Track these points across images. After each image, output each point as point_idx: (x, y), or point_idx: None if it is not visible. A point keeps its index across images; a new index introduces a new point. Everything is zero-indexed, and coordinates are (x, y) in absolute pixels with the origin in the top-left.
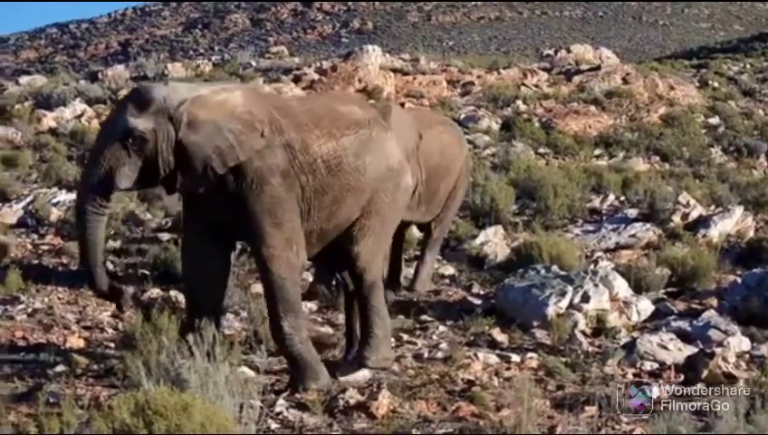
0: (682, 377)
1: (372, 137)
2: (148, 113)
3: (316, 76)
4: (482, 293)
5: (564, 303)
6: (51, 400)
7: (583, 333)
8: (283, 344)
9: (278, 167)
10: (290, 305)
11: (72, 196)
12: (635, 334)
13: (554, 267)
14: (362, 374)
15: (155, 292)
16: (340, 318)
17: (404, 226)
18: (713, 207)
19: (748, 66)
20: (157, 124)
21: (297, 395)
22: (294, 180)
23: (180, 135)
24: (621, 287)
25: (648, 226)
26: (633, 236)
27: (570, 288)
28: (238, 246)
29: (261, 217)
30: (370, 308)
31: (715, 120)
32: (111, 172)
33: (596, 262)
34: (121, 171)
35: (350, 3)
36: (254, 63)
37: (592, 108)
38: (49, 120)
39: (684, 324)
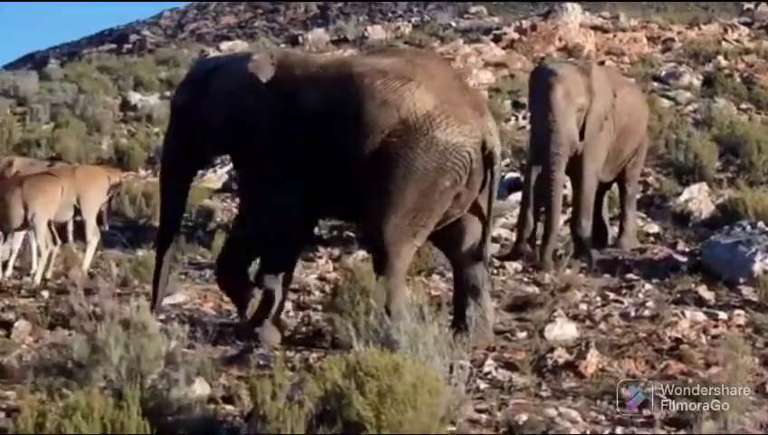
0: None
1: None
2: None
3: (516, 36)
4: (687, 250)
5: None
6: (261, 362)
7: None
8: None
9: None
10: None
11: None
12: None
13: (760, 223)
14: (570, 333)
15: (360, 254)
16: (546, 278)
17: (602, 187)
18: None
19: None
20: None
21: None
22: None
23: None
24: None
25: None
26: None
27: None
28: None
29: None
30: None
31: None
32: None
33: None
34: None
35: None
36: (453, 24)
37: None
38: None
39: None
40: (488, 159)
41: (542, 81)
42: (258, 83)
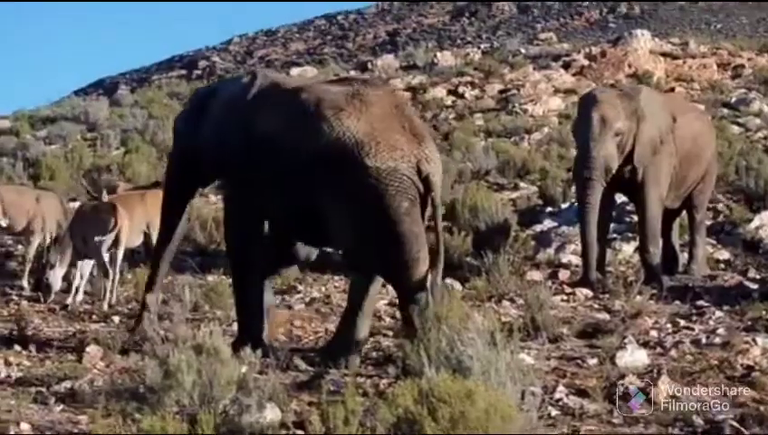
0: None
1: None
2: None
3: (586, 62)
4: (758, 277)
5: None
6: (332, 388)
7: None
8: None
9: None
10: None
11: None
12: None
13: None
14: (641, 360)
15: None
16: (617, 304)
17: (671, 213)
18: None
19: None
20: None
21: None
22: None
23: None
24: None
25: None
26: None
27: None
28: None
29: None
30: None
31: None
32: None
33: None
34: None
35: None
36: (522, 51)
37: None
38: None
39: None
40: (426, 185)
41: (581, 106)
42: (235, 108)
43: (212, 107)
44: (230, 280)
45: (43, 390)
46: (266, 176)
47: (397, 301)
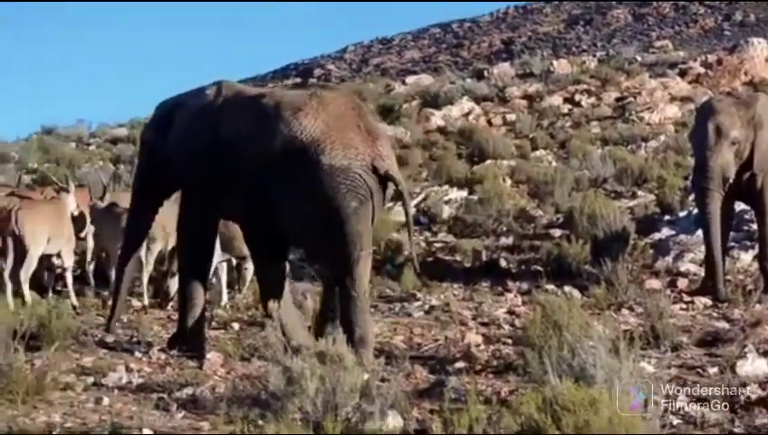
0: None
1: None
2: None
3: (702, 70)
4: None
5: None
6: (453, 395)
7: None
8: None
9: None
10: None
11: (463, 193)
12: None
13: None
14: (762, 369)
15: (549, 287)
16: (736, 313)
17: None
18: None
19: None
20: None
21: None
22: None
23: None
24: None
25: None
26: None
27: None
28: None
29: None
30: None
31: None
32: None
33: None
34: None
35: None
36: (638, 58)
37: None
38: (437, 118)
39: None
40: (388, 179)
41: (698, 115)
42: (202, 116)
43: (179, 117)
44: None
45: (165, 396)
46: (230, 177)
47: (515, 309)
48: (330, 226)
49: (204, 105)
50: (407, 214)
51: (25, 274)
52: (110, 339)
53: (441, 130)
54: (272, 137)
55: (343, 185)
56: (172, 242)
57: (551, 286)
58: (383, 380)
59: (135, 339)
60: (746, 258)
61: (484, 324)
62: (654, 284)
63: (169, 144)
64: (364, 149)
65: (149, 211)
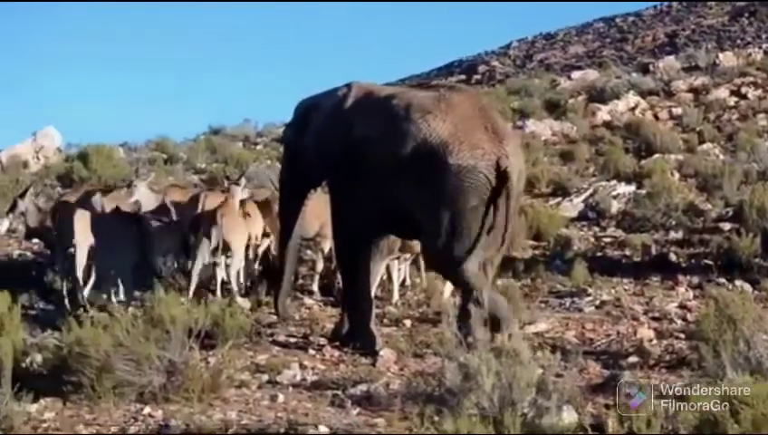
0: None
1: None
2: None
3: None
4: None
5: None
6: (629, 391)
7: None
8: None
9: None
10: None
11: (631, 188)
12: None
13: None
14: None
15: (720, 281)
16: None
17: None
18: None
19: None
20: None
21: None
22: None
23: None
24: None
25: None
26: None
27: None
28: None
29: None
30: None
31: None
32: None
33: None
34: None
35: None
36: None
37: None
38: (603, 113)
39: None
40: (503, 176)
41: None
42: (335, 116)
43: (314, 118)
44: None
45: (339, 393)
46: (363, 175)
47: (686, 303)
48: (451, 221)
49: (335, 106)
50: (507, 217)
51: (234, 271)
52: (281, 338)
53: (607, 125)
54: (402, 139)
55: (467, 183)
56: None
57: (721, 280)
58: (557, 375)
59: (308, 336)
60: None
61: (655, 319)
62: None
63: (306, 144)
64: (490, 148)
65: (297, 203)
